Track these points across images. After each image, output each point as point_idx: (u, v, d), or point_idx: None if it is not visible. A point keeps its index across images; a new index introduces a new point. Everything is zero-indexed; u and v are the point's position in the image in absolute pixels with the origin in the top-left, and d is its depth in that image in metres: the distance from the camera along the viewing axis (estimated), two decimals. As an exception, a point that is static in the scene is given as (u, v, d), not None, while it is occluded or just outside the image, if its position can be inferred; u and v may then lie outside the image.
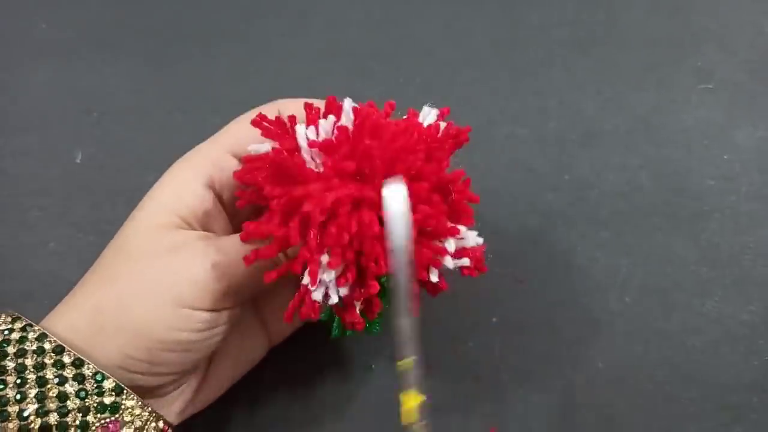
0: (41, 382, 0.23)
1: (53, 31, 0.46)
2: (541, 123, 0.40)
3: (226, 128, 0.29)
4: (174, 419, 0.27)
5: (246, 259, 0.23)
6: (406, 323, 0.22)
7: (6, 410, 0.23)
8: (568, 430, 0.31)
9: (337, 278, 0.23)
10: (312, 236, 0.22)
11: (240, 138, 0.28)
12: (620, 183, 0.38)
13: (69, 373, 0.24)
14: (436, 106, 0.27)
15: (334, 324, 0.28)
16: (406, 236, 0.21)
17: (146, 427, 0.24)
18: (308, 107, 0.26)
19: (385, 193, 0.21)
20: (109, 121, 0.41)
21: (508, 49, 0.44)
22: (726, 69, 0.42)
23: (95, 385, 0.24)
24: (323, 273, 0.23)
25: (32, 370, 0.24)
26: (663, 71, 0.42)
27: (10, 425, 0.23)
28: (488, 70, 0.43)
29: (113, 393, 0.24)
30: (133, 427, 0.24)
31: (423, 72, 0.43)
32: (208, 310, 0.25)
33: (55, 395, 0.23)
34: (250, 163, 0.25)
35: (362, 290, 0.24)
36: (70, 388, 0.23)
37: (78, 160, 0.40)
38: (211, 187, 0.27)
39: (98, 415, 0.24)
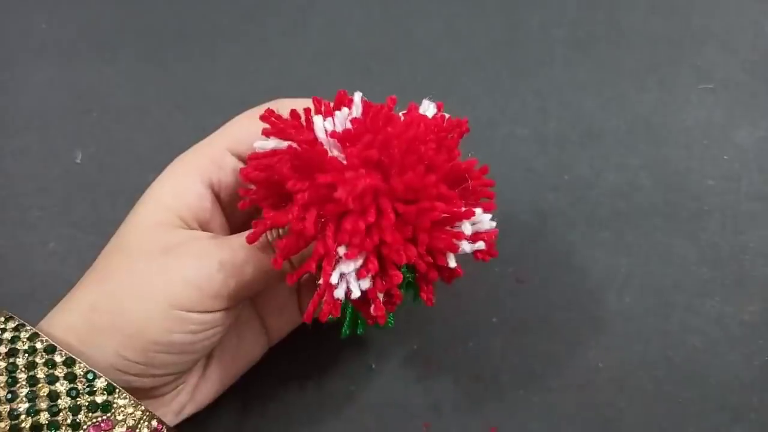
0: (32, 381, 0.23)
1: (53, 31, 0.46)
2: (541, 123, 0.40)
3: (224, 127, 0.29)
4: (172, 419, 0.27)
5: (275, 262, 0.23)
6: None
7: None
8: (568, 430, 0.31)
9: (358, 270, 0.23)
10: (330, 230, 0.22)
11: (239, 136, 0.28)
12: (620, 183, 0.38)
13: (60, 372, 0.23)
14: (435, 101, 0.27)
15: (346, 323, 0.27)
16: None
17: (139, 426, 0.24)
18: (317, 102, 0.26)
19: None
20: (109, 121, 0.41)
21: (508, 49, 0.44)
22: (726, 69, 0.42)
23: (87, 384, 0.23)
24: (342, 265, 0.23)
25: (23, 369, 0.23)
26: (663, 71, 0.42)
27: (1, 424, 0.23)
28: (488, 70, 0.43)
29: (105, 392, 0.24)
30: (125, 425, 0.24)
31: (423, 72, 0.43)
32: (202, 312, 0.25)
33: (45, 394, 0.23)
34: (261, 159, 0.25)
35: (384, 281, 0.24)
36: (61, 387, 0.23)
37: (78, 160, 0.40)
38: (210, 185, 0.27)
39: (90, 414, 0.23)
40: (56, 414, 0.23)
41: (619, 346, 0.33)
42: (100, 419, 0.24)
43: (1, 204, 0.38)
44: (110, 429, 0.24)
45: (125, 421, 0.24)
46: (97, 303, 0.25)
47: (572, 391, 0.32)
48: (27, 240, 0.37)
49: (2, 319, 0.25)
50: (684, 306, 0.34)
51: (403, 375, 0.33)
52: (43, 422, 0.23)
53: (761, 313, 0.34)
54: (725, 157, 0.39)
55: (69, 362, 0.23)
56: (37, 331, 0.24)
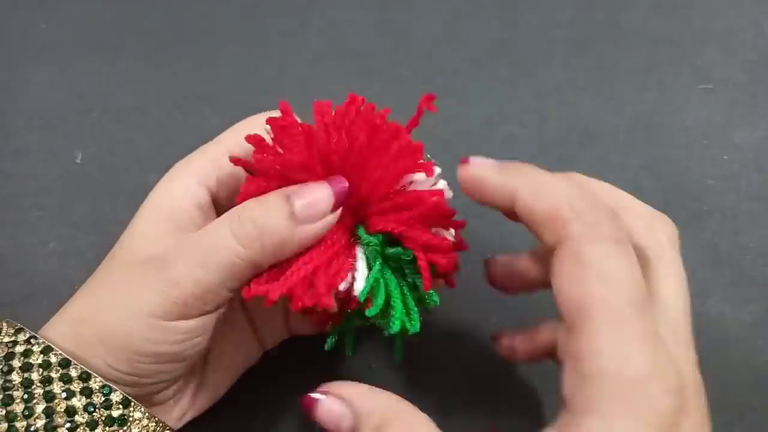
0: (49, 396, 0.23)
1: (53, 31, 0.46)
2: (541, 123, 0.40)
3: (226, 131, 0.28)
4: (174, 425, 0.27)
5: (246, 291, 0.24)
6: None
7: (14, 426, 0.22)
8: (568, 430, 0.31)
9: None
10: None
11: (240, 141, 0.27)
12: (620, 183, 0.38)
13: (76, 387, 0.23)
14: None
15: (332, 336, 0.28)
16: None
17: None
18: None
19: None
20: (109, 121, 0.41)
21: (508, 50, 0.44)
22: (726, 69, 0.42)
23: (103, 399, 0.23)
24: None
25: (39, 384, 0.23)
26: (663, 71, 0.42)
27: None
28: (488, 70, 0.43)
29: (121, 406, 0.23)
30: None
31: (422, 72, 0.43)
32: (182, 320, 0.24)
33: (63, 410, 0.23)
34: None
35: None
36: (78, 402, 0.23)
37: (78, 160, 0.40)
38: (209, 188, 0.27)
39: (107, 429, 0.23)
40: (74, 430, 0.23)
41: (619, 346, 0.33)
42: None
43: (1, 204, 0.38)
44: None
45: None
46: (83, 314, 0.24)
47: (572, 391, 0.32)
48: (27, 240, 0.37)
49: (11, 330, 0.24)
50: (684, 306, 0.34)
51: (403, 375, 0.33)
52: None
53: (761, 313, 0.33)
54: (725, 157, 0.39)
55: (84, 377, 0.23)
56: (50, 344, 0.24)
